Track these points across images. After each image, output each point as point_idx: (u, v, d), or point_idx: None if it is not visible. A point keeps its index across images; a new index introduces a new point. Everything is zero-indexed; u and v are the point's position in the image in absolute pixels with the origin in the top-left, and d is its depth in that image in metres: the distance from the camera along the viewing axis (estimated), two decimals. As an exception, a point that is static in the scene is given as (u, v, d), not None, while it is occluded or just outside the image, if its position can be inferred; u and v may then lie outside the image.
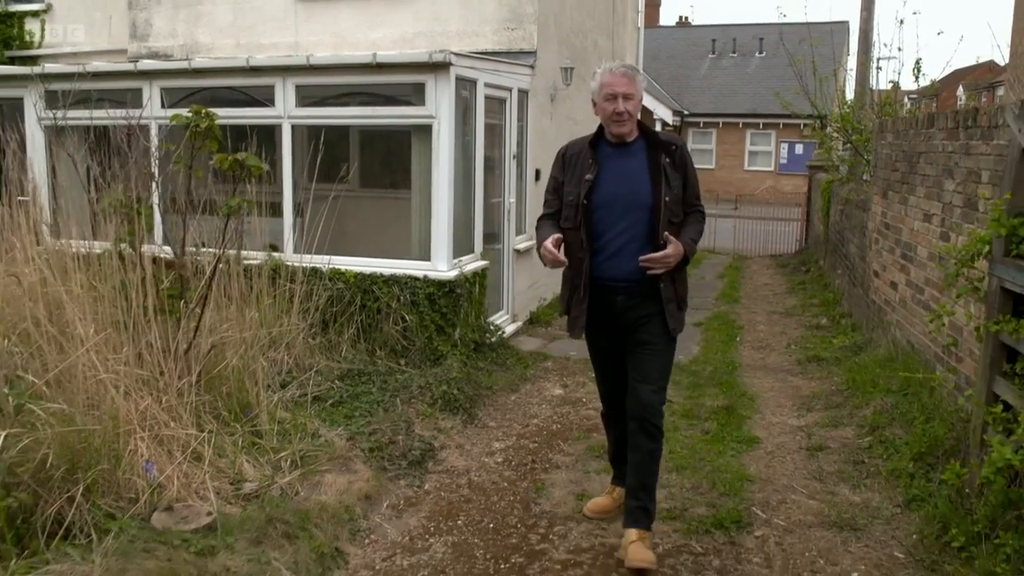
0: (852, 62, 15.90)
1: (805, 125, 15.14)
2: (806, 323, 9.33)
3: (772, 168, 29.27)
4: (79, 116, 7.00)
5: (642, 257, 3.53)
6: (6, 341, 4.18)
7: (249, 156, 4.27)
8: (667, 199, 3.62)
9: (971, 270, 4.34)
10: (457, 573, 3.63)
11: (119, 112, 6.54)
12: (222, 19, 9.91)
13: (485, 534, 4.00)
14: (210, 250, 4.98)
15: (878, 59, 13.01)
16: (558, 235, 3.68)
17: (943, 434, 4.55)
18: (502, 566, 3.68)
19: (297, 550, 3.52)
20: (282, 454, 4.36)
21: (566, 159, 3.84)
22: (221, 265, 4.81)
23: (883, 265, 7.25)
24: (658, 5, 38.49)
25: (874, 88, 13.13)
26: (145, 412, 3.95)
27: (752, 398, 6.33)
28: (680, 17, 39.96)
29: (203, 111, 4.54)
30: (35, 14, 11.53)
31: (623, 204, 3.66)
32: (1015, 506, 3.43)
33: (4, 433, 3.16)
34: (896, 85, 11.93)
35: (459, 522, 4.13)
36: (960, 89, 39.87)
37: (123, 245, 4.54)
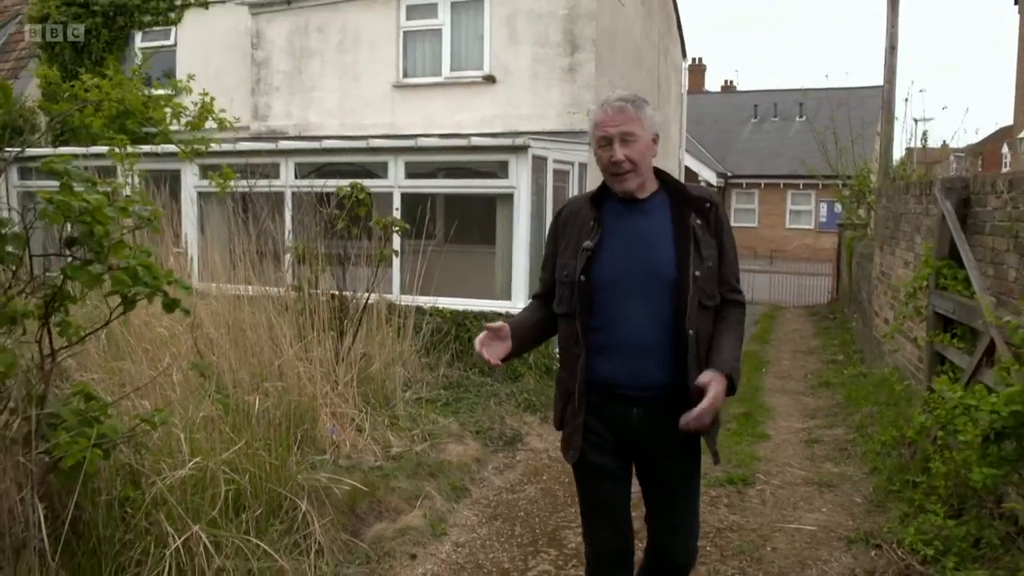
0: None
1: (843, 185, 16.75)
2: (825, 359, 10.85)
3: (812, 226, 30.76)
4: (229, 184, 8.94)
5: (683, 420, 2.59)
6: (229, 345, 5.97)
7: (397, 220, 6.08)
8: (697, 274, 2.66)
9: (917, 301, 5.98)
10: (545, 503, 5.29)
11: (264, 182, 8.49)
12: (330, 103, 11.95)
13: (563, 485, 5.65)
14: (346, 292, 6.79)
15: (918, 120, 14.77)
16: (502, 324, 2.84)
17: (902, 424, 6.09)
18: (575, 500, 5.30)
19: (438, 483, 5.22)
20: (414, 432, 6.06)
21: (559, 223, 2.90)
22: (368, 300, 6.60)
23: (880, 306, 8.83)
24: (703, 71, 40.56)
25: (911, 148, 14.80)
26: (326, 396, 5.71)
27: (768, 410, 7.91)
28: (725, 81, 41.95)
29: (359, 185, 6.38)
30: (168, 98, 13.73)
31: (638, 281, 2.70)
32: (929, 457, 4.98)
33: (256, 396, 4.90)
34: (911, 151, 13.54)
35: (544, 478, 5.80)
36: (1005, 147, 41.27)
37: (303, 282, 6.33)
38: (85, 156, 10.42)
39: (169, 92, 13.66)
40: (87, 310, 5.24)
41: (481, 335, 2.80)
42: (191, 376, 4.70)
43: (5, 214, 3.08)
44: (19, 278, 2.82)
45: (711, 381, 2.58)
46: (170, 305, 3.05)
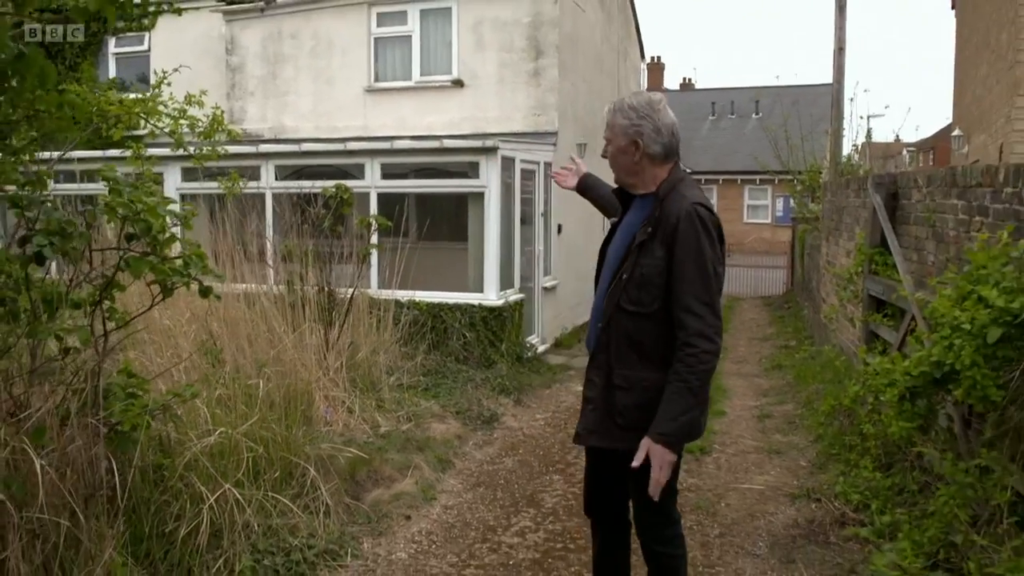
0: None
1: (794, 181, 17.56)
2: (779, 344, 11.54)
3: (769, 220, 31.71)
4: (209, 186, 9.36)
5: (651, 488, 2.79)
6: (228, 336, 6.43)
7: (380, 217, 6.59)
8: (624, 276, 2.85)
9: (855, 286, 6.62)
10: (523, 473, 5.84)
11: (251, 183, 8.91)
12: (304, 107, 12.39)
13: (537, 456, 6.21)
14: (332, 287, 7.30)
15: (863, 118, 15.56)
16: (581, 165, 3.70)
17: (840, 395, 6.73)
18: (550, 469, 5.89)
19: (425, 456, 5.75)
20: (399, 413, 6.58)
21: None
22: (353, 293, 7.10)
23: (827, 292, 9.50)
24: (662, 69, 41.41)
25: (857, 145, 15.61)
26: (319, 380, 6.20)
27: (725, 390, 8.53)
28: (684, 79, 42.88)
29: (343, 186, 6.88)
30: (138, 101, 14.03)
31: (606, 264, 3.06)
32: (861, 422, 5.61)
33: (259, 380, 5.38)
34: (856, 148, 14.32)
35: (520, 451, 6.35)
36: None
37: (295, 277, 6.82)
38: (68, 160, 10.74)
39: (143, 96, 14.02)
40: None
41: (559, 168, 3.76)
42: (200, 362, 5.19)
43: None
44: (80, 270, 3.31)
45: (647, 451, 2.74)
46: (205, 292, 3.55)
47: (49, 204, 3.16)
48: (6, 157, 3.18)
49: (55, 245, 2.99)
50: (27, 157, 3.61)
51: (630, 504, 3.18)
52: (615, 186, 3.18)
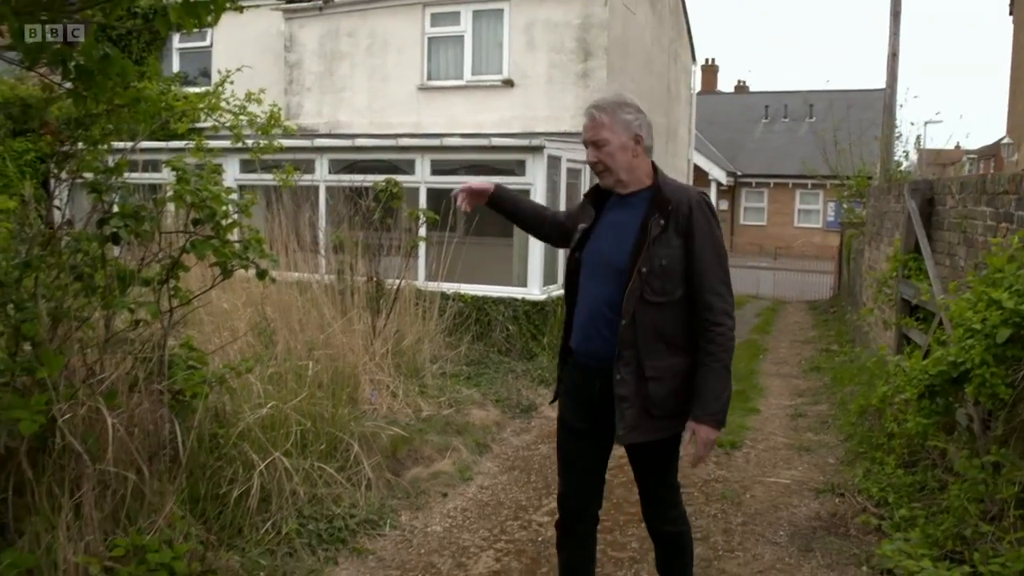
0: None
1: (841, 185, 17.46)
2: (820, 348, 11.60)
3: (820, 225, 31.44)
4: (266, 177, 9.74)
5: (690, 461, 2.99)
6: (281, 320, 6.77)
7: (428, 211, 6.87)
8: (644, 269, 2.87)
9: (889, 290, 6.72)
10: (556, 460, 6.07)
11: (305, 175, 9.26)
12: (359, 103, 12.77)
13: (572, 445, 6.44)
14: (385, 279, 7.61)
15: (914, 124, 15.41)
16: (487, 188, 3.33)
17: (870, 395, 6.84)
18: (583, 457, 6.12)
19: (464, 439, 6.03)
20: (441, 399, 6.85)
21: (583, 202, 3.25)
22: (400, 284, 7.41)
23: (868, 297, 9.57)
24: (716, 72, 41.25)
25: (913, 150, 15.53)
26: (365, 364, 6.51)
27: (761, 389, 8.67)
28: (738, 81, 42.62)
29: (393, 181, 7.18)
30: (202, 96, 14.55)
31: (600, 264, 3.01)
32: (886, 420, 5.74)
33: (309, 362, 5.70)
34: (906, 154, 14.27)
35: (555, 439, 6.58)
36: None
37: (345, 266, 7.14)
38: (132, 150, 11.24)
39: (206, 92, 14.54)
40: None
41: (463, 189, 3.29)
42: (254, 342, 5.52)
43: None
44: (150, 251, 3.63)
45: (694, 432, 2.90)
46: (262, 274, 3.85)
47: (124, 191, 3.47)
48: (88, 147, 3.50)
49: (129, 227, 3.31)
50: (105, 147, 3.94)
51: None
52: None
